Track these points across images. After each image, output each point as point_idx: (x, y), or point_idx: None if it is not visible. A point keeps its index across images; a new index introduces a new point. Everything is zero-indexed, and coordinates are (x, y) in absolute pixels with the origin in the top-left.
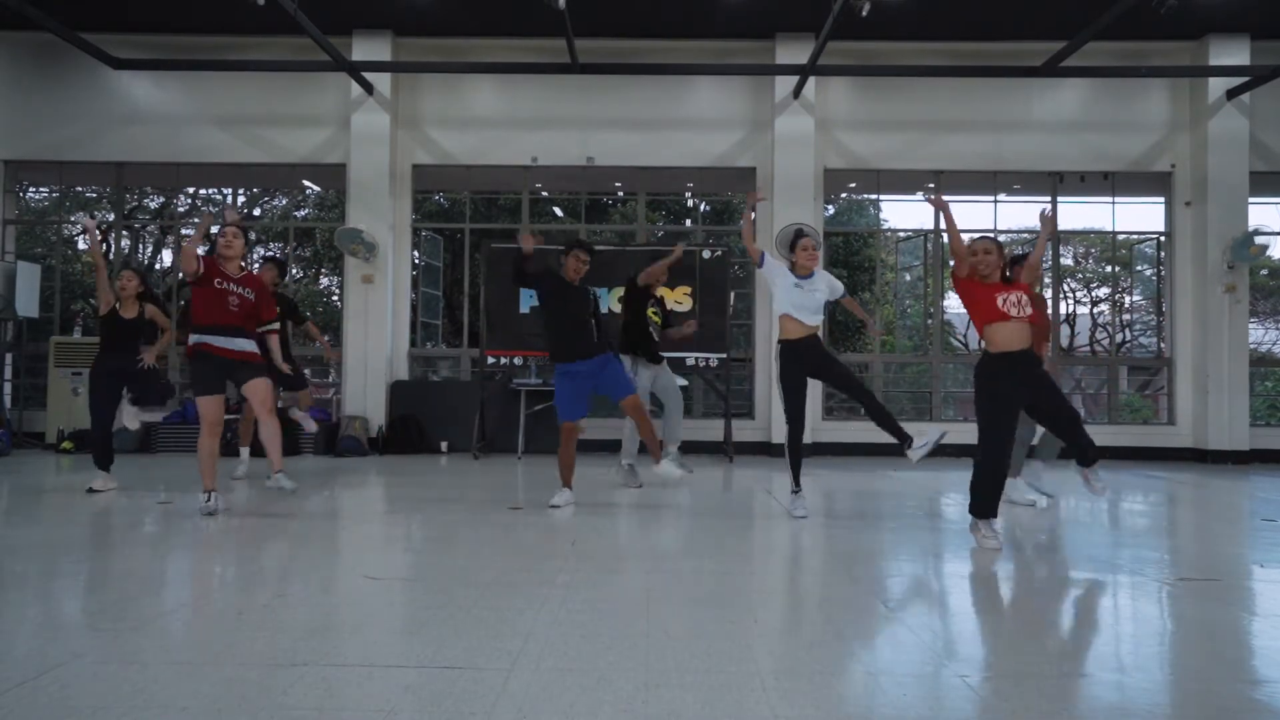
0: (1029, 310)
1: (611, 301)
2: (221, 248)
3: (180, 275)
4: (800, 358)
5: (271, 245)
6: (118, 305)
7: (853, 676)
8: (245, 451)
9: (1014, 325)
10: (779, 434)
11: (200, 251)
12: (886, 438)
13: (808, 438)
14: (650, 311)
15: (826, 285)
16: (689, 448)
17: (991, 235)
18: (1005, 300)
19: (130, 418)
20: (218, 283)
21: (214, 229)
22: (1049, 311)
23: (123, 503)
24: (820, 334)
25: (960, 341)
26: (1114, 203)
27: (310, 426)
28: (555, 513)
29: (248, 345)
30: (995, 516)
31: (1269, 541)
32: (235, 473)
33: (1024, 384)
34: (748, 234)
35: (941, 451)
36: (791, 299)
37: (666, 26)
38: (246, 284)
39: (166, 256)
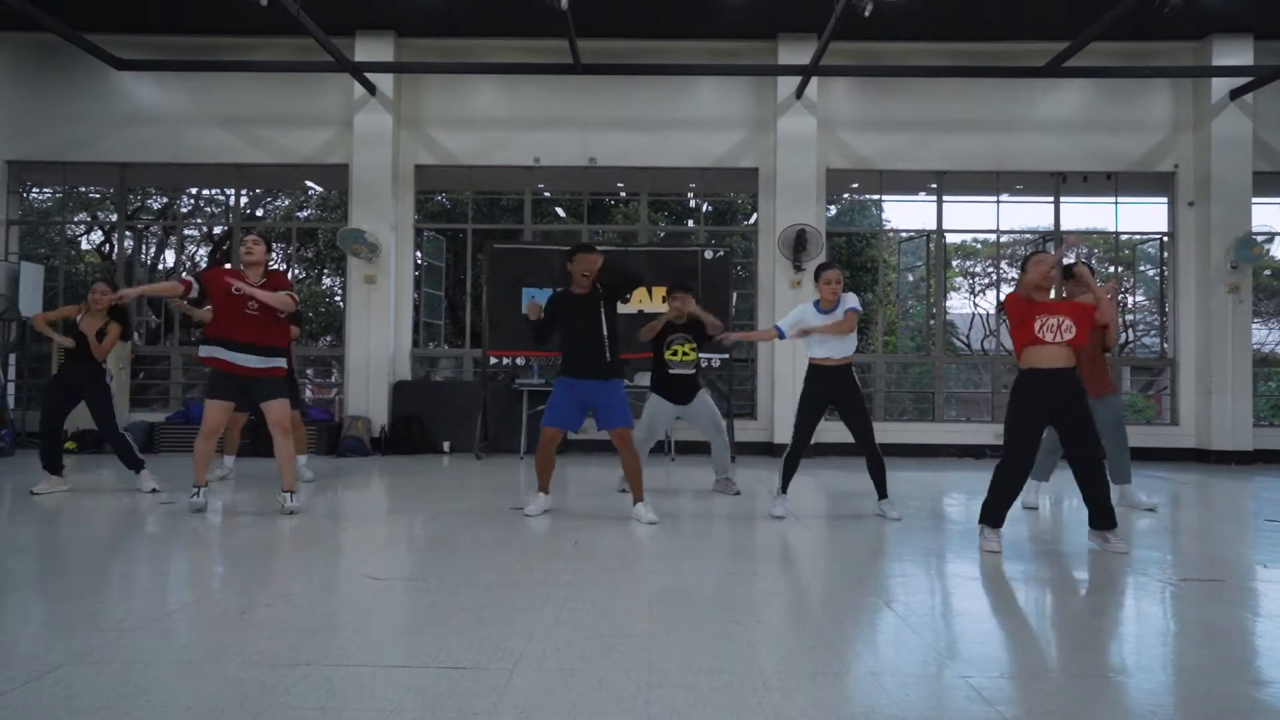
0: (1070, 334)
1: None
2: (241, 255)
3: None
4: (827, 384)
5: (275, 246)
6: (78, 318)
7: (855, 676)
8: (229, 459)
9: (1051, 349)
10: (780, 434)
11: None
12: (889, 439)
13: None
14: (675, 351)
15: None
16: (690, 448)
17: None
18: (1044, 324)
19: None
20: (235, 289)
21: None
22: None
23: (124, 502)
24: (851, 364)
25: (963, 342)
26: (1117, 203)
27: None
28: (556, 513)
29: (261, 362)
30: (1000, 526)
31: (1272, 542)
32: (213, 474)
33: (1053, 403)
34: (760, 336)
35: (941, 452)
36: (823, 347)
37: (669, 27)
38: (268, 289)
39: (169, 257)
